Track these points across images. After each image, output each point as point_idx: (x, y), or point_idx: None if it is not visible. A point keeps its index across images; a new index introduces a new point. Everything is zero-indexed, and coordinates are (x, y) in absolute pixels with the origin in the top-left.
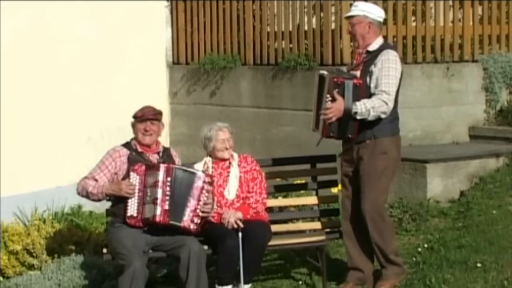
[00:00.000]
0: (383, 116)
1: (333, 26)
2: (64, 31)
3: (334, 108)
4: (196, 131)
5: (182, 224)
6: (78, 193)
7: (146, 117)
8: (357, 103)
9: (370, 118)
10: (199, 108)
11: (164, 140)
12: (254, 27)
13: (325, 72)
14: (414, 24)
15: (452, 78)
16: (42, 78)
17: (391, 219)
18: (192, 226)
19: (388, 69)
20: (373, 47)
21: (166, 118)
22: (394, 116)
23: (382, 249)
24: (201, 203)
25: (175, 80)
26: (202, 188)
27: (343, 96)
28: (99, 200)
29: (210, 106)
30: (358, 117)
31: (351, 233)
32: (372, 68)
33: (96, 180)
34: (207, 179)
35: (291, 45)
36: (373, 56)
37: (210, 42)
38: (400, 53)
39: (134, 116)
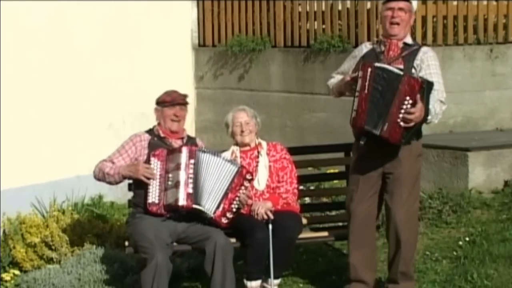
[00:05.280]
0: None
1: (368, 5)
2: (84, 12)
3: (418, 114)
4: (223, 117)
5: (213, 216)
6: (95, 176)
7: (177, 101)
8: (430, 107)
9: (432, 123)
10: (226, 93)
11: (190, 126)
12: (284, 7)
13: (387, 66)
14: (455, 3)
15: (496, 60)
16: (60, 62)
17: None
18: (223, 220)
19: (439, 74)
20: (408, 39)
21: (191, 104)
22: None
23: (408, 263)
24: (237, 199)
25: (201, 63)
26: (242, 184)
27: (422, 100)
28: (116, 182)
29: (238, 90)
30: (427, 123)
31: (359, 243)
32: (417, 63)
33: (113, 163)
34: (248, 176)
35: (324, 26)
36: (412, 50)
37: (238, 23)
38: (440, 34)
39: (161, 102)
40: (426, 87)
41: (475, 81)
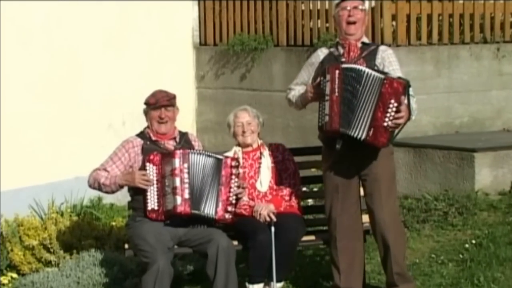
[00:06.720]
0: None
1: (373, 3)
2: (84, 12)
3: (406, 116)
4: (224, 117)
5: (216, 217)
6: (90, 186)
7: (160, 104)
8: (411, 106)
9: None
10: (228, 92)
11: (191, 127)
12: (287, 5)
13: (354, 66)
14: (461, 1)
15: (503, 59)
16: (60, 62)
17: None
18: (227, 216)
19: (400, 70)
20: (365, 39)
21: (192, 104)
22: None
23: (401, 263)
24: (232, 190)
25: (202, 63)
26: (231, 173)
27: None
28: (112, 192)
29: (240, 90)
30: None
31: (349, 251)
32: (378, 62)
33: (107, 171)
34: (233, 163)
35: (327, 25)
36: (371, 49)
37: (240, 22)
38: (446, 32)
39: (147, 103)
40: (408, 90)
41: (481, 80)
